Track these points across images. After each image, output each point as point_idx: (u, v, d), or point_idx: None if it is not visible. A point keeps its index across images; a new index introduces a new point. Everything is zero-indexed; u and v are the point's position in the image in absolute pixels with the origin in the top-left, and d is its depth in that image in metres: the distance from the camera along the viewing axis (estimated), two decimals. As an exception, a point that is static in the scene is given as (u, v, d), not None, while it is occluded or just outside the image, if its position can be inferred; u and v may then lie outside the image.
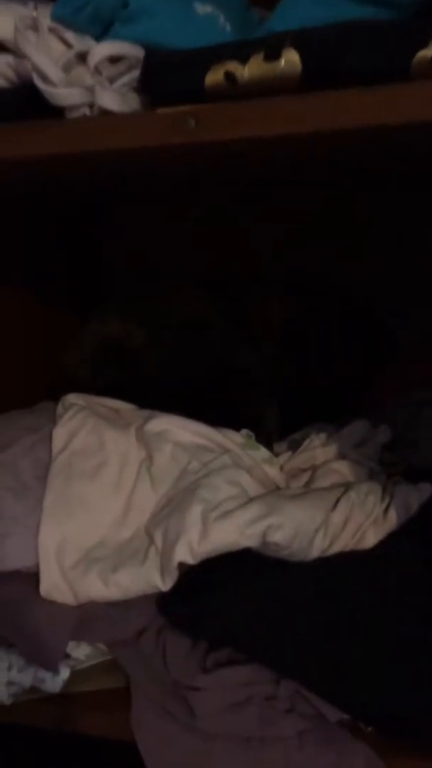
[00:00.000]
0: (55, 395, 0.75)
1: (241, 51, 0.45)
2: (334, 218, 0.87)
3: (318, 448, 0.70)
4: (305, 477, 0.67)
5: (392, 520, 0.59)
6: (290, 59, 0.43)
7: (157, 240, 0.91)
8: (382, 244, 0.88)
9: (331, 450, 0.70)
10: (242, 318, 0.84)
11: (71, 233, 0.93)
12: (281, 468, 0.67)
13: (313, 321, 0.86)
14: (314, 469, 0.68)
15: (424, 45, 0.41)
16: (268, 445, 0.71)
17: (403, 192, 0.84)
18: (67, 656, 0.56)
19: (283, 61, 0.44)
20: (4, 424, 0.72)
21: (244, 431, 0.68)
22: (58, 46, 0.50)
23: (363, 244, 0.88)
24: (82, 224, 0.93)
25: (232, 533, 0.53)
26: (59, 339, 0.86)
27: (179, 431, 0.64)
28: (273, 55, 0.44)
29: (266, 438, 0.73)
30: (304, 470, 0.69)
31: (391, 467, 0.71)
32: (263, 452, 0.66)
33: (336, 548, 0.57)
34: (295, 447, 0.73)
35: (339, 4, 0.48)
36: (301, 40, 0.44)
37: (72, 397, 0.71)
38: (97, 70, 0.48)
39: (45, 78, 0.47)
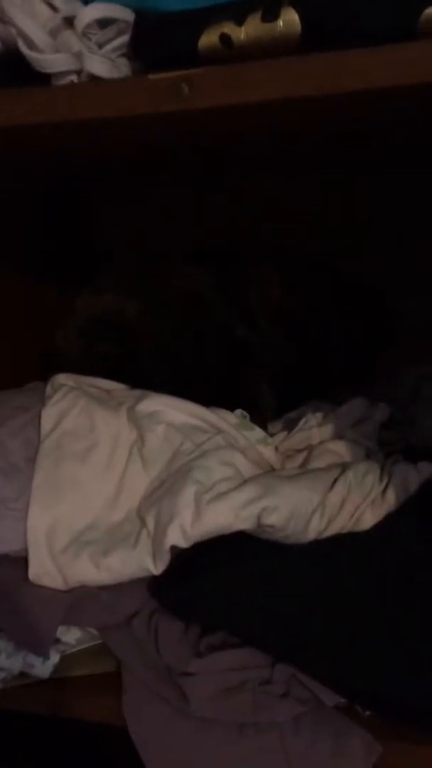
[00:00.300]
0: (47, 374, 0.74)
1: (236, 11, 0.43)
2: (334, 196, 0.86)
3: (314, 428, 0.69)
4: (301, 457, 0.66)
5: (391, 501, 0.57)
6: (289, 19, 0.41)
7: (153, 218, 0.90)
8: (384, 222, 0.86)
9: (328, 429, 0.69)
10: (240, 294, 0.82)
11: (65, 211, 0.91)
12: (276, 448, 0.66)
13: (313, 298, 0.84)
14: (310, 449, 0.66)
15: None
16: (264, 424, 0.70)
17: (404, 170, 0.82)
18: (57, 641, 0.55)
19: (281, 22, 0.41)
20: (-6, 405, 0.70)
21: (239, 411, 0.66)
22: (44, 10, 0.47)
23: (364, 221, 0.86)
24: (76, 202, 0.91)
25: (227, 516, 0.52)
26: (51, 319, 0.84)
27: (172, 411, 0.63)
28: (271, 15, 0.42)
29: (262, 417, 0.72)
30: (300, 450, 0.67)
31: (390, 446, 0.70)
32: (258, 432, 0.64)
33: (333, 530, 0.55)
34: (290, 426, 0.71)
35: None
36: (299, -1, 0.42)
37: (61, 377, 0.69)
38: (85, 35, 0.46)
39: (31, 44, 0.45)
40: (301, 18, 0.41)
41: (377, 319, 0.88)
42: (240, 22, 0.42)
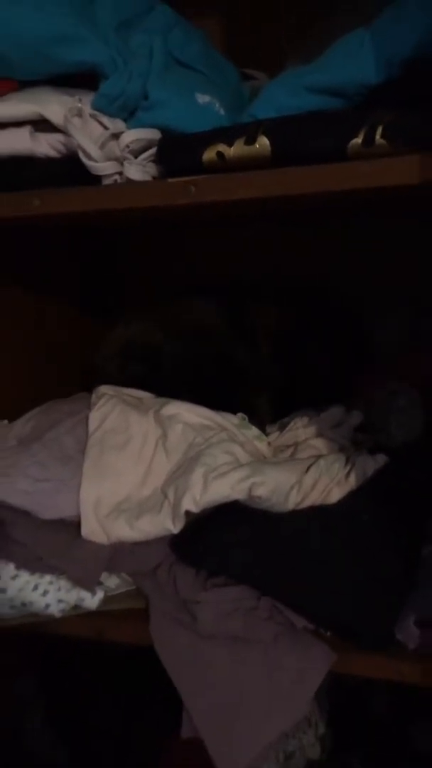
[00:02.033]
0: (88, 387, 0.93)
1: (228, 136, 0.62)
2: (320, 238, 1.03)
3: (300, 429, 0.88)
4: (289, 451, 0.84)
5: (352, 482, 0.75)
6: (263, 143, 0.61)
7: (168, 261, 1.10)
8: (364, 262, 1.04)
9: (311, 430, 0.87)
10: (243, 324, 1.01)
11: (97, 261, 1.11)
12: (269, 444, 0.85)
13: (304, 325, 1.03)
14: (296, 445, 0.85)
15: (355, 135, 0.58)
16: (261, 427, 0.89)
17: (376, 219, 1.00)
18: (101, 584, 0.74)
19: (258, 144, 0.61)
20: (50, 410, 0.90)
21: (240, 414, 0.85)
22: (96, 128, 0.67)
23: (347, 261, 1.04)
24: (106, 254, 1.12)
25: (226, 488, 0.70)
26: (89, 343, 1.04)
27: (188, 414, 0.82)
28: (250, 140, 0.61)
29: (260, 422, 0.90)
30: (289, 446, 0.86)
31: (361, 444, 0.88)
32: (254, 431, 0.83)
33: (307, 503, 0.73)
34: (283, 428, 0.90)
35: (303, 95, 0.65)
36: (270, 129, 0.61)
37: (103, 388, 0.89)
38: (126, 147, 0.66)
39: (87, 155, 0.65)
40: (271, 143, 0.60)
41: (358, 342, 1.06)
42: (230, 144, 0.61)
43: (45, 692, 0.92)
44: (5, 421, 0.92)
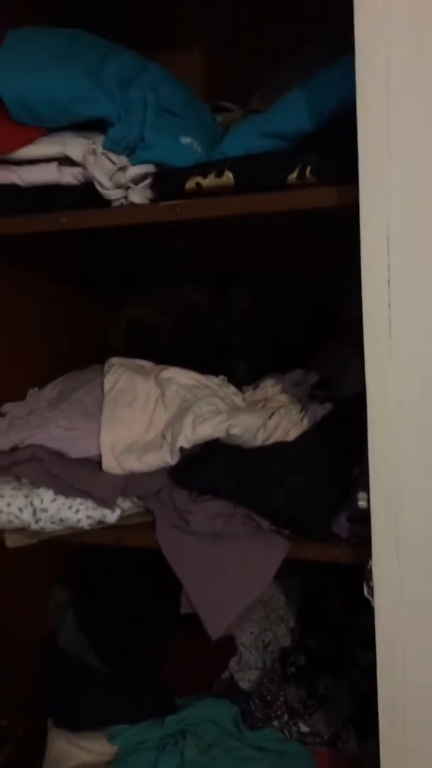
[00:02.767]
0: (100, 359, 1.18)
1: (203, 170, 0.85)
2: (296, 238, 1.26)
3: (269, 387, 1.12)
4: (260, 405, 1.09)
5: (305, 425, 1.00)
6: (228, 177, 0.84)
7: (169, 255, 1.33)
8: (331, 254, 1.26)
9: (278, 388, 1.12)
10: (226, 305, 1.25)
11: (111, 254, 1.35)
12: (244, 399, 1.09)
13: (277, 306, 1.27)
14: (266, 400, 1.10)
15: (293, 171, 0.81)
16: (239, 387, 1.13)
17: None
18: (118, 506, 0.98)
19: (224, 178, 0.84)
20: (71, 379, 1.15)
21: (221, 376, 1.10)
22: (107, 163, 0.90)
23: (318, 253, 1.26)
24: (119, 249, 1.36)
25: (209, 429, 0.94)
26: (100, 323, 1.28)
27: (181, 377, 1.06)
28: (219, 174, 0.84)
29: (238, 383, 1.15)
30: (260, 401, 1.10)
31: (316, 398, 1.12)
32: (232, 389, 1.08)
33: (271, 441, 0.98)
34: (256, 388, 1.15)
35: (260, 138, 0.88)
36: (233, 165, 0.84)
37: (114, 359, 1.13)
38: (130, 178, 0.89)
39: (100, 184, 0.88)
40: (234, 176, 0.84)
41: (322, 317, 1.30)
42: (205, 176, 0.85)
43: (76, 600, 1.17)
44: (36, 389, 1.17)
